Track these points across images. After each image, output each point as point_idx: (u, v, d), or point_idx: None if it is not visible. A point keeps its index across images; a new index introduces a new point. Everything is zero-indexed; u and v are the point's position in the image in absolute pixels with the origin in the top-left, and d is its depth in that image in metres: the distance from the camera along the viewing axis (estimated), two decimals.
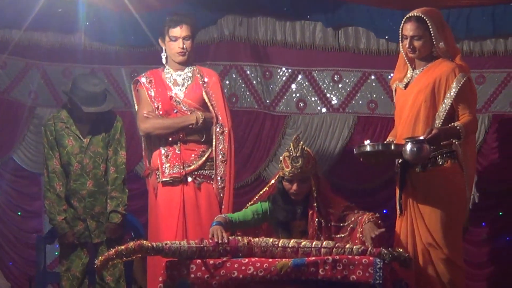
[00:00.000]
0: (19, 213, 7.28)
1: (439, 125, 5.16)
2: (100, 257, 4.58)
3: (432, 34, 5.24)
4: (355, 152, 5.25)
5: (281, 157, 5.26)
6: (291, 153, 5.15)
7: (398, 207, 5.34)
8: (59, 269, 6.12)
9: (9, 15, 6.91)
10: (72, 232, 5.99)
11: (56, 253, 6.49)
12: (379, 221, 5.05)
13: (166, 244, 4.72)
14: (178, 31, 5.72)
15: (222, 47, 7.18)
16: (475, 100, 5.47)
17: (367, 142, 5.22)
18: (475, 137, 5.57)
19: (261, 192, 5.44)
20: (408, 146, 5.00)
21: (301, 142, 5.21)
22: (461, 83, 5.19)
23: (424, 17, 5.25)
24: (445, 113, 5.20)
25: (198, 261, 4.71)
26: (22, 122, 7.19)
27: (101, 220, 6.04)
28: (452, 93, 5.19)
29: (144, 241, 4.67)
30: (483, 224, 6.90)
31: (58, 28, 7.10)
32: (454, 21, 6.73)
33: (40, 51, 7.20)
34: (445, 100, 5.20)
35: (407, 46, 5.30)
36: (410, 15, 5.31)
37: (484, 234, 6.91)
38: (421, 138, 5.03)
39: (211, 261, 4.70)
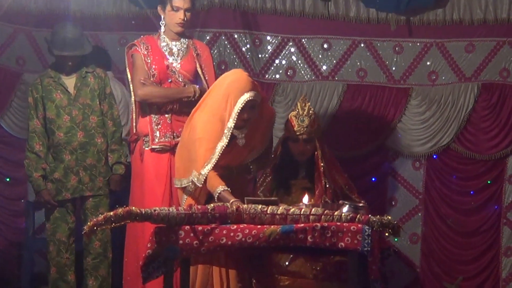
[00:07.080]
0: (7, 179, 7.25)
1: None
2: (88, 223, 4.58)
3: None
4: None
5: (288, 117, 5.28)
6: (298, 113, 5.18)
7: None
8: (46, 234, 6.15)
9: None
10: (48, 191, 6.01)
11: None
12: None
13: (154, 210, 4.69)
14: (181, 2, 5.68)
15: (212, 14, 7.12)
16: None
17: None
18: None
19: None
20: None
21: (308, 103, 5.22)
22: None
23: None
24: None
25: (187, 227, 4.69)
26: (10, 88, 7.15)
27: (93, 173, 6.07)
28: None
29: (133, 207, 4.66)
30: (472, 192, 6.92)
31: None
32: None
33: (29, 17, 7.13)
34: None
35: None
36: None
37: (472, 203, 6.93)
38: None
39: (200, 228, 4.68)
